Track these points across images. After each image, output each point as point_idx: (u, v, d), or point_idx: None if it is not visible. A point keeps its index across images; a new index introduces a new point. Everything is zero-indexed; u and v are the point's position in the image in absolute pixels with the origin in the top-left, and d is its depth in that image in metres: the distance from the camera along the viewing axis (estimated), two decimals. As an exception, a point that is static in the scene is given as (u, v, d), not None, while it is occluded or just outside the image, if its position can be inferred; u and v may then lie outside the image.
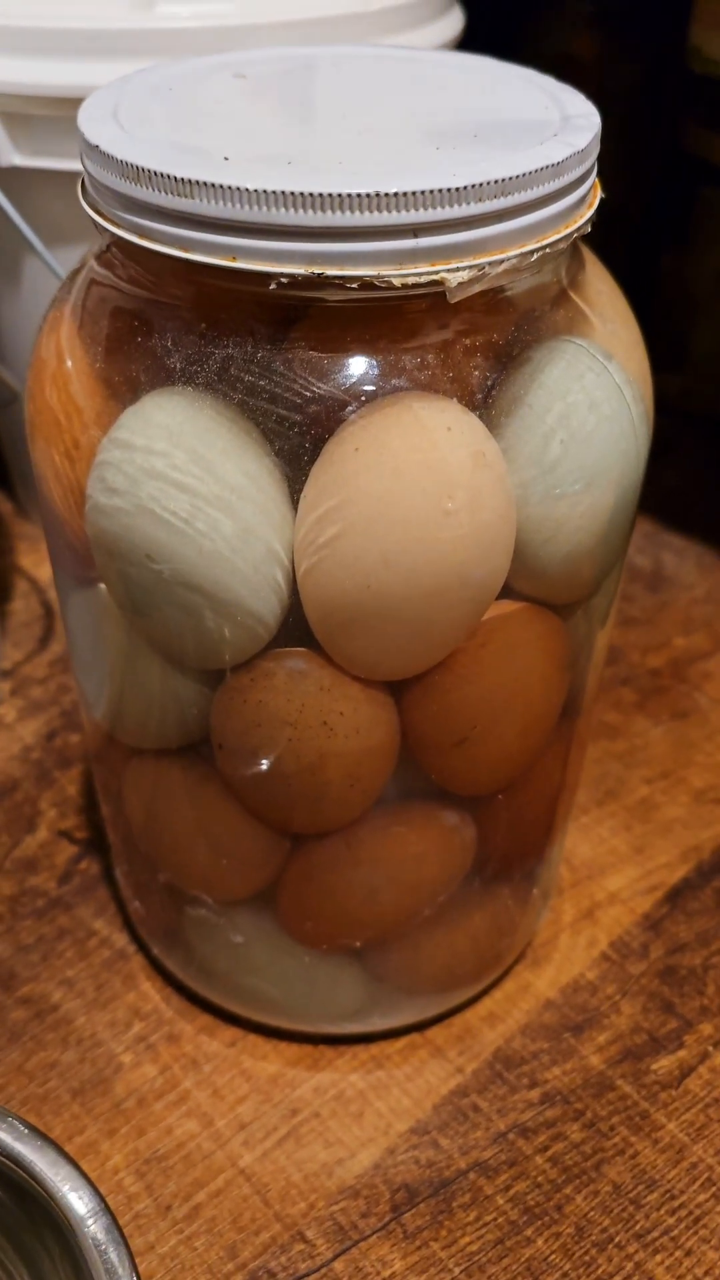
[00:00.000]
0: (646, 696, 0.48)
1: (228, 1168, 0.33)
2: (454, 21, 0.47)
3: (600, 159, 0.26)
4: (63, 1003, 0.37)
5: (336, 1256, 0.31)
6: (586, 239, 0.29)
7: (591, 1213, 0.32)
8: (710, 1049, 0.36)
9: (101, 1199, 0.26)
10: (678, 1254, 0.31)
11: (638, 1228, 0.32)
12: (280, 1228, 0.32)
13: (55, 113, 0.40)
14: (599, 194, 0.27)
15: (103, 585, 0.28)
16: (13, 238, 0.43)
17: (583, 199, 0.25)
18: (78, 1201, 0.26)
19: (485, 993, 0.37)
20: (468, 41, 0.49)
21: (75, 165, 0.42)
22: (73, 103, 0.40)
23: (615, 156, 0.61)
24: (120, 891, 0.39)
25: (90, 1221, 0.26)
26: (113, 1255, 0.25)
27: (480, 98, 0.27)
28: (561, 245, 0.25)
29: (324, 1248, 0.31)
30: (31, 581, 0.53)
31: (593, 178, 0.26)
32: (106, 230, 0.25)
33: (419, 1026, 0.36)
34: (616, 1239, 0.31)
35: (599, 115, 0.26)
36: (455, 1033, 0.36)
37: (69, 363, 0.27)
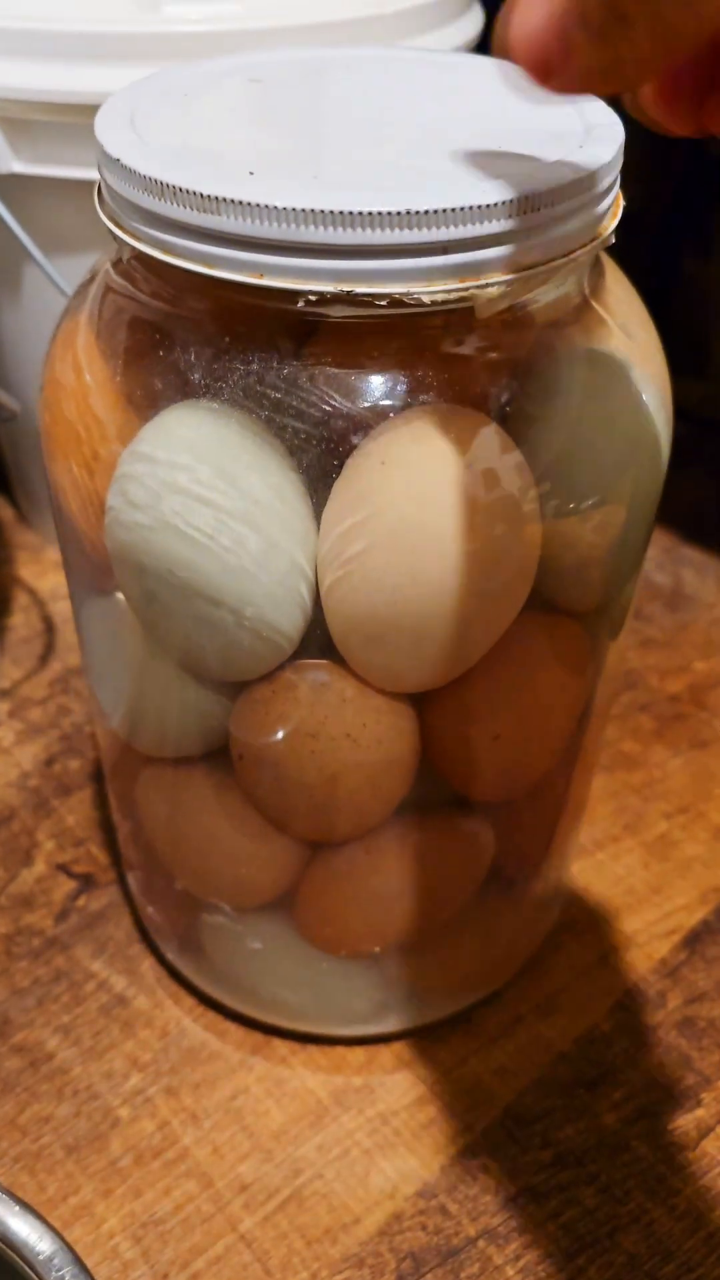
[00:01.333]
0: (665, 724, 0.46)
1: (228, 1233, 0.32)
2: (474, 20, 0.45)
3: (625, 161, 0.26)
4: (58, 1051, 0.35)
5: (340, 1331, 0.30)
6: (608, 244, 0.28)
7: (605, 1286, 0.31)
8: (729, 1108, 0.34)
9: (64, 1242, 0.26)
10: (695, 1333, 0.30)
11: (653, 1302, 0.30)
12: (281, 1298, 0.30)
13: (57, 118, 0.39)
14: (622, 203, 0.26)
15: (120, 595, 0.27)
16: (12, 247, 0.42)
17: (607, 209, 0.25)
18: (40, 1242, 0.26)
19: (495, 1041, 0.36)
20: (487, 41, 0.47)
21: (77, 173, 0.40)
22: (75, 109, 0.38)
23: (638, 158, 0.59)
24: (131, 897, 0.39)
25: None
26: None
27: (500, 104, 0.26)
28: (587, 258, 0.24)
29: (327, 1321, 0.30)
30: (32, 594, 0.52)
31: (617, 188, 0.26)
32: (126, 244, 0.24)
33: (433, 1027, 0.36)
34: (631, 1316, 0.30)
35: (621, 124, 0.25)
36: (465, 1088, 0.35)
37: (87, 375, 0.26)
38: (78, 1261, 0.27)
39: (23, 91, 0.38)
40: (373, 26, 0.40)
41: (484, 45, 0.46)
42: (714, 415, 0.62)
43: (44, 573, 0.53)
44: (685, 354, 0.63)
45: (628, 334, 0.27)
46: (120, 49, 0.38)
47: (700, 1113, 0.34)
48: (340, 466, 0.24)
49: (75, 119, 0.38)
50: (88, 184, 0.27)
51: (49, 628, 0.50)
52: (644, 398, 0.26)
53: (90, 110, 0.37)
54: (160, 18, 0.38)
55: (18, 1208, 0.27)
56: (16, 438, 0.52)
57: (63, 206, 0.40)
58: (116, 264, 0.26)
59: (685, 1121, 0.34)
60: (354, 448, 0.24)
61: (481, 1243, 0.31)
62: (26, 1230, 0.28)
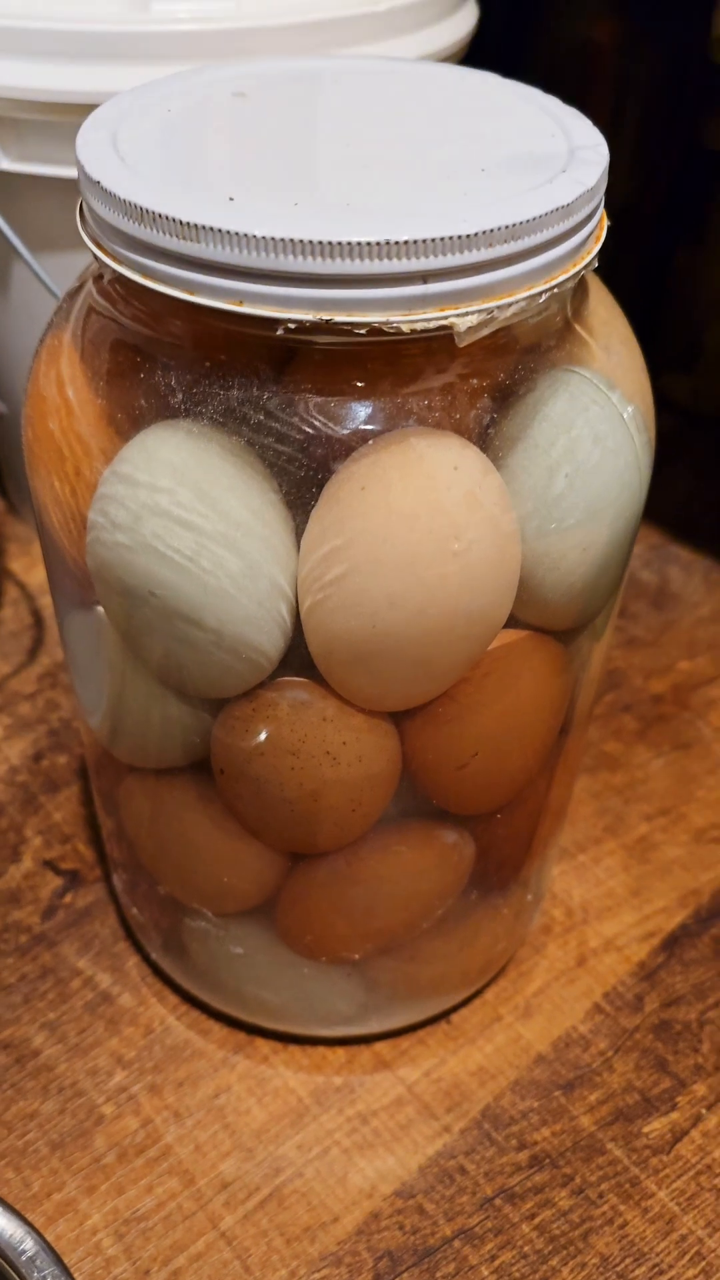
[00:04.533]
0: (648, 725, 0.47)
1: (208, 1230, 0.32)
2: (467, 17, 0.45)
3: (616, 152, 0.26)
4: (44, 1048, 0.36)
5: (317, 1329, 0.30)
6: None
7: (578, 1286, 0.31)
8: (704, 1111, 0.35)
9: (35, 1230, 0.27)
10: (664, 1333, 0.30)
11: (624, 1303, 0.31)
12: (260, 1296, 0.31)
13: (46, 117, 0.38)
14: (606, 225, 0.26)
15: (102, 609, 0.28)
16: (0, 246, 0.42)
17: (590, 235, 0.25)
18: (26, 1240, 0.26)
19: (473, 1042, 0.36)
20: (484, 30, 0.47)
21: (66, 171, 0.40)
22: (64, 108, 0.38)
23: (632, 150, 0.59)
24: (118, 899, 0.39)
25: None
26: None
27: (486, 123, 0.26)
28: (570, 284, 0.24)
29: (304, 1319, 0.31)
30: (21, 587, 0.52)
31: (600, 211, 0.26)
32: (107, 266, 0.24)
33: (414, 1028, 0.36)
34: (602, 1316, 0.31)
35: (606, 146, 0.26)
36: (443, 1088, 0.35)
37: (70, 393, 0.26)
38: (58, 1262, 0.28)
39: (11, 90, 0.38)
40: (364, 25, 0.40)
41: (477, 42, 0.46)
42: (702, 410, 0.62)
43: (34, 565, 0.53)
44: (675, 348, 0.63)
45: (610, 353, 0.27)
46: (110, 47, 0.37)
47: (675, 1116, 0.35)
48: (320, 490, 0.24)
49: (64, 117, 0.38)
50: (74, 182, 0.27)
51: (38, 622, 0.50)
52: (625, 418, 0.26)
53: (79, 109, 0.37)
54: (150, 16, 0.38)
55: None
56: (5, 431, 0.52)
57: (52, 205, 0.40)
58: (98, 280, 0.26)
59: (660, 1125, 0.35)
60: (334, 472, 0.24)
61: (457, 1243, 0.32)
62: (6, 1226, 0.28)
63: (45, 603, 0.51)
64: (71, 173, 0.40)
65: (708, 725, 0.47)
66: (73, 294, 0.28)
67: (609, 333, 0.27)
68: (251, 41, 0.38)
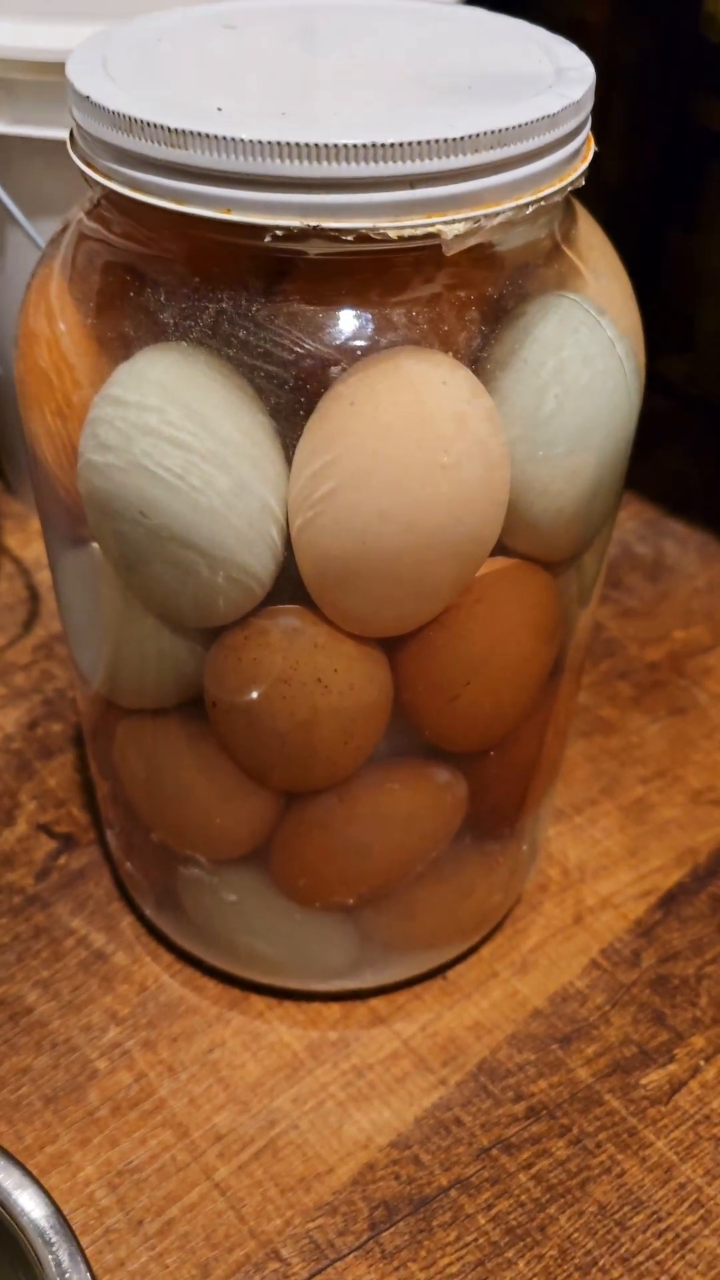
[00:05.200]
0: (644, 691, 0.46)
1: (202, 1181, 0.32)
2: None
3: (608, 131, 0.26)
4: (37, 1005, 0.36)
5: (312, 1276, 0.30)
6: (589, 205, 0.29)
7: (575, 1234, 0.31)
8: (701, 1063, 0.35)
9: (52, 1202, 0.26)
10: (663, 1279, 0.30)
11: (623, 1251, 0.31)
12: (255, 1245, 0.31)
13: (38, 77, 0.39)
14: (593, 147, 0.27)
15: (96, 545, 0.28)
16: (-6, 209, 0.42)
17: (577, 152, 0.25)
18: (28, 1202, 0.26)
19: (469, 997, 0.36)
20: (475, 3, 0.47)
21: (59, 133, 0.40)
22: (54, 67, 0.38)
23: (623, 128, 0.59)
24: (111, 855, 0.39)
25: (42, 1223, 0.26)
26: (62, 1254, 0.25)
27: (474, 50, 0.27)
28: (557, 198, 0.25)
29: (299, 1267, 0.30)
30: (17, 562, 0.52)
31: (587, 130, 0.26)
32: (98, 183, 0.24)
33: (409, 983, 0.36)
34: (600, 1262, 0.30)
35: (593, 68, 0.26)
36: (439, 1042, 0.35)
37: (60, 320, 0.26)
38: (52, 1202, 0.27)
39: (3, 50, 0.38)
40: None
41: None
42: (698, 390, 0.62)
43: (29, 541, 0.53)
44: (669, 329, 0.63)
45: (600, 280, 0.27)
46: (99, 6, 0.38)
47: (673, 1068, 0.34)
48: (310, 407, 0.24)
49: (56, 78, 0.38)
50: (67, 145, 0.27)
51: (33, 595, 0.50)
52: (616, 345, 0.27)
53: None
54: (143, -23, 0.38)
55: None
56: (1, 406, 0.52)
57: (43, 167, 0.40)
58: (90, 211, 0.26)
59: (658, 1076, 0.34)
60: (324, 388, 0.24)
61: (454, 1192, 0.32)
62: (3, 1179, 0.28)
63: (40, 578, 0.51)
64: (64, 134, 0.40)
65: (704, 691, 0.46)
66: (59, 235, 0.28)
67: (598, 259, 0.27)
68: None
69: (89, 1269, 0.25)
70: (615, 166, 0.66)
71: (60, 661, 0.47)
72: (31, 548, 0.53)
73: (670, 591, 0.51)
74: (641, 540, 0.54)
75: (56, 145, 0.40)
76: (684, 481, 0.57)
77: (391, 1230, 0.31)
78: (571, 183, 0.25)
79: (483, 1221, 0.31)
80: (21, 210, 0.38)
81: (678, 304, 0.61)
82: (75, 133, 0.25)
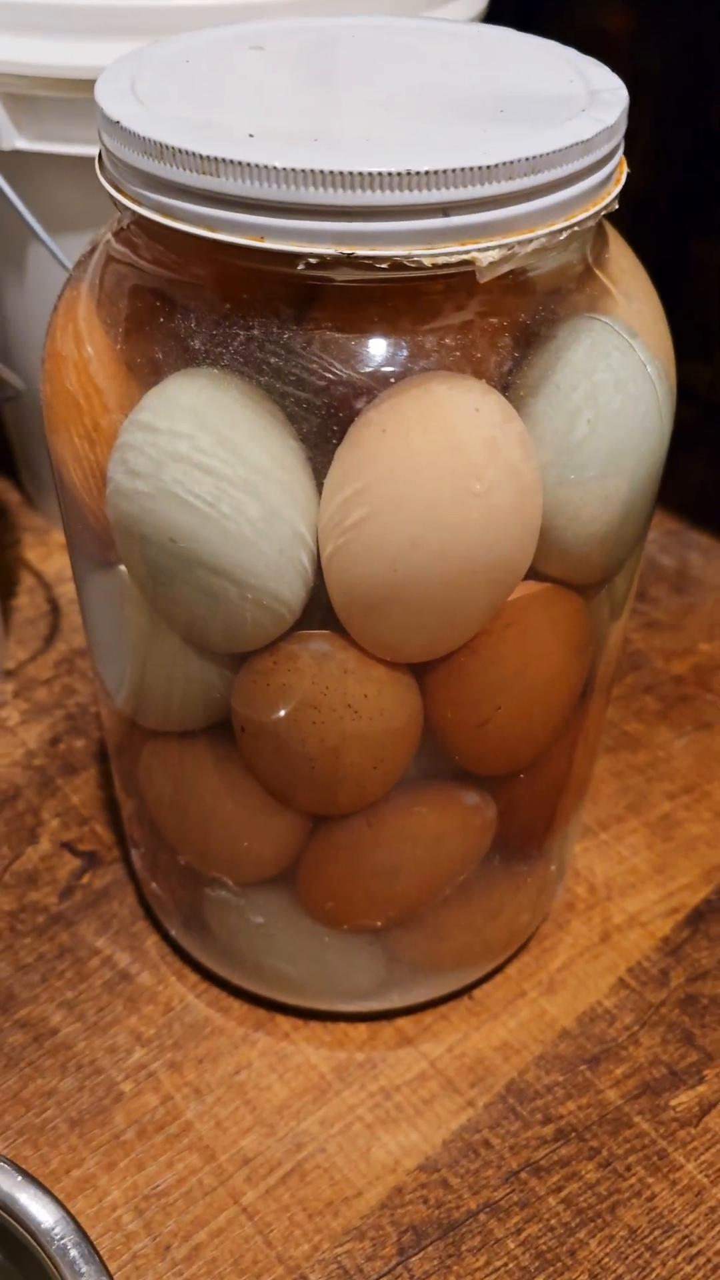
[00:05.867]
0: (670, 705, 0.46)
1: (229, 1205, 0.32)
2: (476, 1, 0.45)
3: (631, 140, 0.26)
4: (62, 1026, 0.36)
5: (341, 1303, 0.30)
6: (612, 216, 0.29)
7: (606, 1259, 0.31)
8: (732, 1085, 0.34)
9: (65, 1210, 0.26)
10: (696, 1306, 0.30)
11: (654, 1276, 0.30)
12: (283, 1270, 0.30)
13: (60, 94, 0.39)
14: (626, 170, 0.26)
15: (123, 567, 0.27)
16: (15, 225, 0.42)
17: (610, 175, 0.25)
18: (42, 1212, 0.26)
19: (497, 1017, 0.36)
20: (495, 15, 0.47)
21: (81, 149, 0.40)
22: (78, 84, 0.38)
23: (646, 137, 0.59)
24: (135, 873, 0.38)
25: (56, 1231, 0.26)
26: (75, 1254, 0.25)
27: (504, 71, 0.26)
28: (590, 223, 0.24)
29: (328, 1293, 0.30)
30: (38, 576, 0.52)
31: (620, 153, 0.26)
32: (127, 208, 0.24)
33: (436, 1003, 0.36)
34: (632, 1289, 0.30)
35: (626, 90, 0.26)
36: (467, 1064, 0.35)
37: (88, 344, 0.26)
38: (79, 1231, 0.27)
39: (25, 66, 0.38)
40: (375, 5, 0.40)
41: (492, 18, 0.46)
42: (721, 398, 0.62)
43: (49, 555, 0.53)
44: (693, 337, 0.63)
45: (631, 303, 0.27)
46: (123, 23, 0.38)
47: (703, 1089, 0.34)
48: (341, 434, 0.24)
49: (78, 94, 0.38)
50: (91, 161, 0.27)
51: (54, 609, 0.50)
52: (646, 365, 0.26)
53: (93, 86, 0.37)
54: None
55: (20, 1179, 0.27)
56: (21, 419, 0.52)
57: (66, 184, 0.40)
58: (118, 233, 0.26)
59: (688, 1098, 0.34)
60: (355, 415, 0.24)
61: (483, 1216, 0.31)
62: (29, 1201, 0.28)
63: (61, 591, 0.51)
64: (86, 150, 0.40)
65: (730, 705, 0.46)
66: (86, 256, 0.28)
67: (629, 281, 0.27)
68: (263, 15, 0.38)
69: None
70: (639, 174, 0.66)
71: (82, 676, 0.47)
72: (52, 561, 0.53)
73: (696, 604, 0.51)
74: (665, 551, 0.54)
75: (79, 162, 0.40)
76: (708, 490, 0.57)
77: (420, 1255, 0.31)
78: (605, 206, 0.24)
79: (512, 1246, 0.31)
80: (45, 226, 0.38)
81: (702, 311, 0.61)
82: (104, 156, 0.25)
